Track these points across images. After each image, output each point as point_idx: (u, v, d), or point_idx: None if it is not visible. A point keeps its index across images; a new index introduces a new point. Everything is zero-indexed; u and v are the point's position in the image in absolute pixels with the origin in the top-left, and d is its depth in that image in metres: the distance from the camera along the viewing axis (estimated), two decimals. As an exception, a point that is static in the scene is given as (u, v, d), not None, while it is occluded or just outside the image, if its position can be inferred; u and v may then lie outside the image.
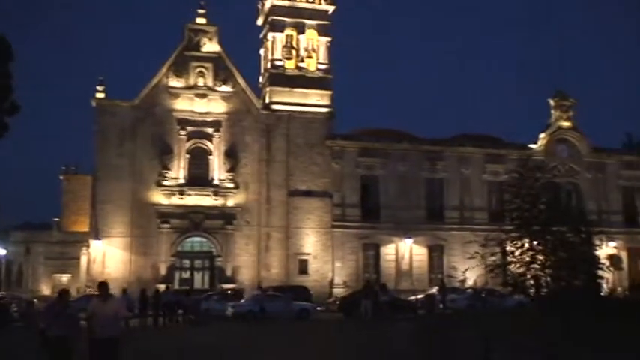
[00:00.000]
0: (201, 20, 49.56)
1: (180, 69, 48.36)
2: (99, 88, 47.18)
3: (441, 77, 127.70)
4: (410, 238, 49.97)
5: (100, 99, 47.00)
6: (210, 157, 48.06)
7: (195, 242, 47.80)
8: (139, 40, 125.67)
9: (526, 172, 37.98)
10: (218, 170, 47.95)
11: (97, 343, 13.20)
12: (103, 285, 13.91)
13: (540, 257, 23.30)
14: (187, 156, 47.55)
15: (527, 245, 23.28)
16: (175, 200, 46.67)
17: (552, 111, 55.14)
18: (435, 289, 40.59)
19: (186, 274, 47.38)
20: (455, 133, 54.17)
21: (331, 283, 48.33)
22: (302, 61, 51.00)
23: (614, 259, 47.02)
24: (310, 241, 48.73)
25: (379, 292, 33.22)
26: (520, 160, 47.65)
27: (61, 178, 54.04)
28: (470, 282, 44.35)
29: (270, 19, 51.40)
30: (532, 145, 53.64)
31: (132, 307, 29.74)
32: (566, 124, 54.93)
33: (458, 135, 53.87)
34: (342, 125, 51.20)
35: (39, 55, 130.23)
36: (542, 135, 54.29)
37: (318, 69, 51.15)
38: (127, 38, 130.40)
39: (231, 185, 47.91)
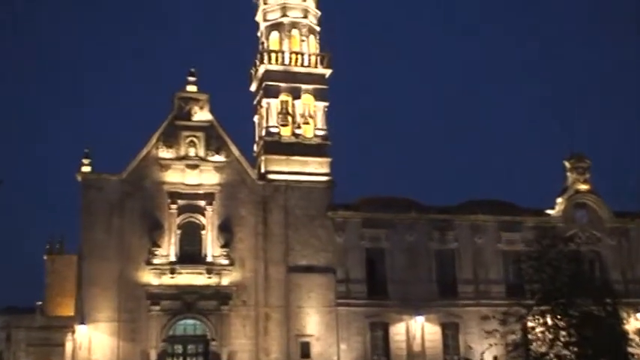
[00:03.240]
0: (191, 88, 49.86)
1: (170, 139, 48.45)
2: (84, 161, 47.22)
3: (447, 140, 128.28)
4: (421, 315, 49.09)
5: (85, 173, 46.95)
6: (202, 232, 47.67)
7: (189, 325, 46.95)
8: (127, 110, 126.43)
9: (545, 241, 37.65)
10: (211, 246, 47.47)
11: None
12: None
13: (564, 334, 22.92)
14: (178, 231, 47.22)
15: (549, 321, 22.85)
16: (166, 280, 46.12)
17: (568, 173, 54.89)
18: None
19: (178, 361, 46.27)
20: (465, 200, 53.69)
21: (337, 368, 47.26)
22: (298, 127, 51.22)
23: (644, 334, 46.01)
24: (313, 322, 47.88)
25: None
26: (537, 227, 49.58)
27: (45, 257, 53.27)
28: (489, 363, 43.34)
29: (264, 84, 51.76)
30: (549, 211, 53.29)
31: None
32: (583, 187, 54.61)
33: (469, 201, 53.35)
34: (344, 194, 50.65)
35: (21, 124, 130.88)
36: (559, 199, 53.94)
37: (315, 135, 51.29)
38: (114, 108, 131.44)
39: (226, 262, 47.36)
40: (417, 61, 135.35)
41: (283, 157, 50.29)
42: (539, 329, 22.92)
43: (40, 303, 51.06)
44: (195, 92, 49.84)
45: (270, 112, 51.35)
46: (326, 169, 50.80)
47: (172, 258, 46.55)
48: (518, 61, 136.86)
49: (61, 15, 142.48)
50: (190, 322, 46.85)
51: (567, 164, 55.01)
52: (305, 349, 47.33)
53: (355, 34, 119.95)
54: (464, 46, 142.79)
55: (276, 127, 51.01)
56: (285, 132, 51.10)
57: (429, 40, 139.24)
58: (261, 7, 54.31)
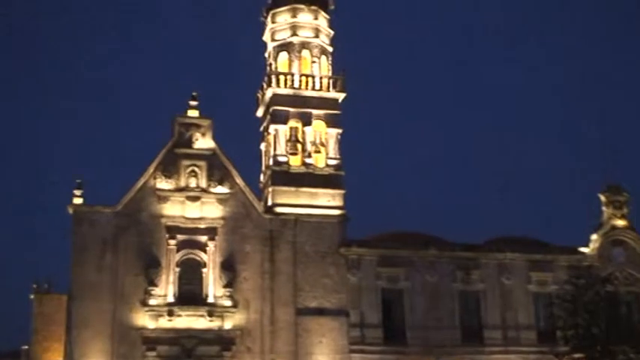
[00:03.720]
0: (193, 113, 48.10)
1: (169, 169, 46.74)
2: (76, 192, 45.56)
3: (472, 171, 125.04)
4: (443, 363, 46.69)
5: (77, 205, 45.28)
6: (203, 271, 45.64)
7: (187, 373, 44.53)
8: (122, 136, 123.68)
9: (580, 281, 35.00)
10: (213, 285, 45.43)
11: None
12: None
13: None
14: (177, 269, 45.26)
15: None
16: (163, 322, 44.04)
17: (604, 208, 52.82)
18: None
19: (175, 415, 43.97)
20: (491, 236, 51.80)
21: None
22: (309, 156, 49.39)
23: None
24: (323, 370, 45.55)
25: None
26: (571, 267, 47.54)
27: (32, 297, 51.68)
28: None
29: (271, 109, 49.96)
30: (583, 249, 51.09)
31: None
32: (621, 222, 52.52)
33: (495, 238, 51.47)
34: (358, 229, 48.87)
35: (9, 151, 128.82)
36: (593, 236, 51.74)
37: (327, 165, 49.49)
38: (108, 135, 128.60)
39: (229, 303, 45.29)
40: (441, 83, 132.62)
41: (292, 189, 48.39)
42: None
43: (26, 347, 50.68)
44: (196, 117, 48.09)
45: (278, 139, 49.52)
46: (339, 202, 48.84)
47: (170, 299, 44.56)
48: (549, 86, 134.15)
49: (59, 40, 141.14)
50: (189, 370, 44.52)
51: (603, 198, 52.97)
52: (315, 402, 45.11)
53: (371, 54, 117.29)
54: (490, 70, 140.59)
55: (285, 155, 49.17)
56: (295, 161, 49.34)
57: (451, 62, 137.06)
58: (269, 25, 52.65)
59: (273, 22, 52.43)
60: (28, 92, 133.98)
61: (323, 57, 51.66)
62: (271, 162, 49.42)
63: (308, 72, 50.81)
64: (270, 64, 51.64)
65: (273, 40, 52.21)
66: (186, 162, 46.91)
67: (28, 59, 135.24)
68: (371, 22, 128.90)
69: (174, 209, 46.03)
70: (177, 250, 45.42)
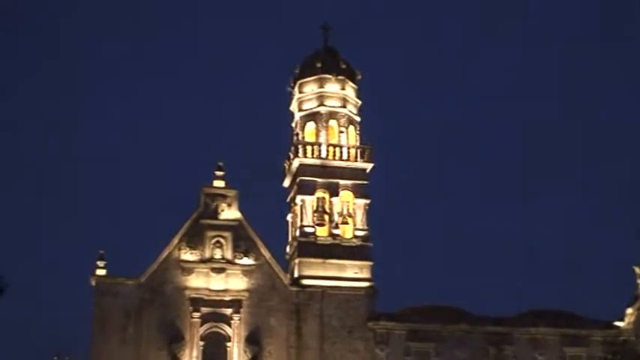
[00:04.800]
0: (218, 183, 47.95)
1: (194, 240, 46.49)
2: (99, 263, 45.25)
3: (502, 242, 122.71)
4: None
5: (100, 276, 44.95)
6: (228, 345, 44.97)
7: None
8: (146, 206, 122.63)
9: (616, 357, 34.11)
10: None
11: None
12: None
13: None
14: (201, 343, 44.67)
15: None
16: None
17: (639, 280, 51.17)
18: None
19: None
20: (522, 309, 50.64)
21: None
22: (336, 227, 48.93)
23: None
24: None
25: None
26: (606, 342, 46.17)
27: None
28: None
29: (298, 179, 49.78)
30: (618, 323, 49.77)
31: None
32: None
33: (527, 311, 50.21)
34: (387, 303, 48.17)
35: (28, 220, 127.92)
36: (629, 310, 50.32)
37: (355, 236, 48.95)
38: (133, 204, 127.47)
39: None
40: (468, 147, 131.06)
41: (319, 261, 47.93)
42: None
43: None
44: (222, 188, 47.90)
45: (305, 210, 49.16)
46: (367, 274, 48.17)
47: (194, 374, 43.63)
48: (579, 149, 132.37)
49: (83, 94, 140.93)
50: None
51: (638, 270, 51.37)
52: None
53: (399, 123, 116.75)
54: (513, 130, 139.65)
55: (312, 226, 48.74)
56: (322, 232, 48.83)
57: (476, 130, 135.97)
58: (296, 95, 52.78)
59: (300, 92, 52.53)
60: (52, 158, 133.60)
61: (350, 127, 51.53)
62: (298, 233, 49.01)
63: (335, 142, 50.66)
64: (297, 134, 51.58)
65: (300, 109, 52.28)
66: (211, 233, 46.63)
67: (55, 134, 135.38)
68: (399, 92, 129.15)
69: (199, 281, 45.61)
70: (202, 324, 44.85)
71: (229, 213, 47.36)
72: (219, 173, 48.15)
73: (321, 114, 51.29)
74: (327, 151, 50.12)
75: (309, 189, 49.48)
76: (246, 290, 46.09)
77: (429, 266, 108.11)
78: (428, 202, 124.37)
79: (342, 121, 51.38)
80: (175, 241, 46.37)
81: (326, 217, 49.10)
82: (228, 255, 46.54)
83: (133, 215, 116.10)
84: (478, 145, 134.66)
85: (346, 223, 49.19)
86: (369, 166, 50.50)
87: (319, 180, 49.64)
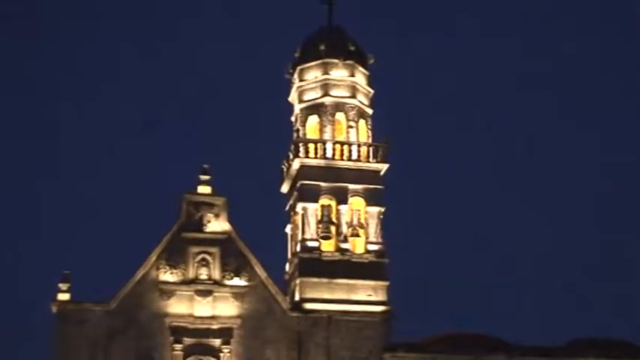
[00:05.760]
0: (204, 189, 44.03)
1: (175, 257, 42.67)
2: (62, 286, 41.61)
3: (542, 261, 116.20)
4: None
5: (63, 302, 41.29)
6: None
7: None
8: (118, 217, 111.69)
9: None
10: None
11: None
12: None
13: None
14: None
15: None
16: None
17: None
18: None
19: None
20: (569, 338, 47.08)
21: None
22: (345, 240, 44.83)
23: None
24: None
25: None
26: None
27: None
28: None
29: (299, 184, 45.59)
30: None
31: None
32: None
33: (574, 339, 46.68)
34: (406, 330, 44.62)
35: None
36: None
37: (367, 251, 44.72)
38: (102, 214, 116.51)
39: None
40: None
41: (325, 281, 43.89)
42: None
43: None
44: (208, 195, 44.08)
45: (307, 220, 45.14)
46: (382, 297, 43.99)
47: (175, 417, 40.52)
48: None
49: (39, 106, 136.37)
50: None
51: None
52: None
53: (419, 115, 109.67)
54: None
55: (316, 240, 44.67)
56: (328, 247, 44.84)
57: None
58: (296, 84, 48.35)
59: (301, 80, 48.32)
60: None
61: (361, 121, 47.29)
62: (299, 248, 45.09)
63: (343, 139, 46.70)
64: (298, 130, 47.66)
65: (300, 101, 48.03)
66: (195, 249, 43.05)
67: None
68: (418, 77, 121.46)
69: (181, 306, 42.18)
70: (185, 357, 41.52)
71: (217, 225, 43.72)
72: (204, 177, 44.25)
73: (326, 106, 46.97)
74: (334, 149, 45.98)
75: (312, 195, 45.42)
76: (238, 317, 42.68)
77: (456, 287, 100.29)
78: (454, 209, 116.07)
79: (351, 113, 47.02)
80: (152, 258, 42.74)
81: (332, 228, 45.10)
82: (216, 275, 42.89)
83: (102, 228, 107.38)
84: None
85: (357, 235, 45.18)
86: (383, 167, 46.24)
87: (324, 184, 45.54)
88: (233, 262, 42.90)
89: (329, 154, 45.50)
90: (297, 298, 43.73)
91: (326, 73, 46.84)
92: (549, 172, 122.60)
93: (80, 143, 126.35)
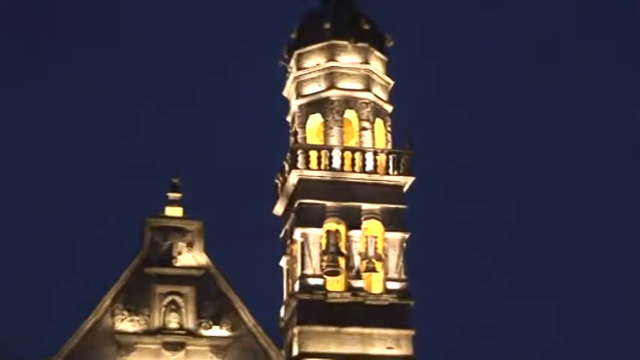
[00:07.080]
0: (173, 211, 37.34)
1: (136, 299, 36.35)
2: None
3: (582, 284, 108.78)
4: None
5: None
6: None
7: None
8: (62, 248, 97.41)
9: None
10: None
11: None
12: None
13: None
14: None
15: None
16: None
17: None
18: None
19: None
20: None
21: None
22: (358, 277, 38.02)
23: None
24: None
25: None
26: None
27: None
28: None
29: (297, 204, 38.71)
30: None
31: None
32: None
33: None
34: None
35: None
36: None
37: (387, 290, 37.85)
38: (42, 244, 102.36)
39: None
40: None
41: (331, 329, 37.06)
42: None
43: None
44: (180, 218, 37.49)
45: (308, 250, 38.25)
46: (406, 349, 37.02)
47: None
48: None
49: None
50: None
51: None
52: None
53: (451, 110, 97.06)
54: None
55: (320, 276, 37.86)
56: (335, 285, 38.29)
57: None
58: (293, 73, 41.32)
59: (299, 68, 41.27)
60: None
61: (378, 120, 40.10)
62: (298, 287, 38.16)
63: (354, 144, 39.85)
64: (295, 133, 40.42)
65: (299, 95, 40.98)
66: (162, 288, 36.40)
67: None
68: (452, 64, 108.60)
69: None
70: None
71: (190, 257, 37.06)
72: (174, 195, 37.38)
73: (332, 101, 39.82)
74: (342, 158, 38.88)
75: (314, 218, 38.43)
76: (218, 377, 36.99)
77: (499, 337, 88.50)
78: (496, 235, 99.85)
79: (365, 111, 39.80)
80: (106, 302, 36.19)
81: (341, 261, 38.10)
82: (189, 323, 36.29)
83: (43, 263, 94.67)
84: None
85: (373, 270, 38.13)
86: (407, 181, 39.15)
87: (330, 204, 38.50)
88: (211, 306, 36.47)
89: (336, 165, 38.66)
90: (295, 352, 37.23)
91: (332, 58, 40.03)
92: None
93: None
